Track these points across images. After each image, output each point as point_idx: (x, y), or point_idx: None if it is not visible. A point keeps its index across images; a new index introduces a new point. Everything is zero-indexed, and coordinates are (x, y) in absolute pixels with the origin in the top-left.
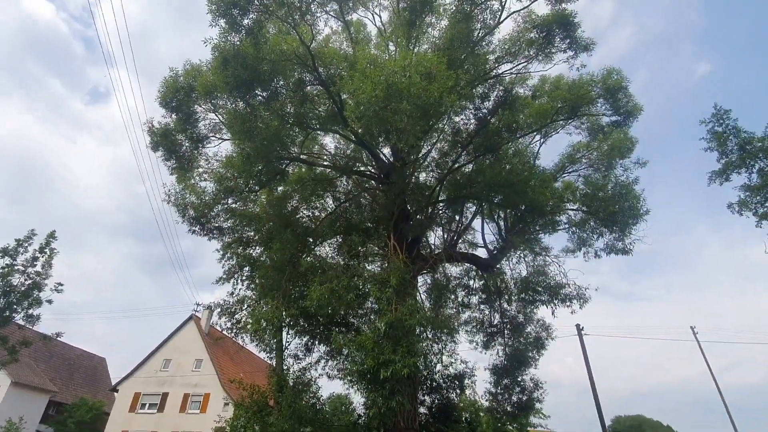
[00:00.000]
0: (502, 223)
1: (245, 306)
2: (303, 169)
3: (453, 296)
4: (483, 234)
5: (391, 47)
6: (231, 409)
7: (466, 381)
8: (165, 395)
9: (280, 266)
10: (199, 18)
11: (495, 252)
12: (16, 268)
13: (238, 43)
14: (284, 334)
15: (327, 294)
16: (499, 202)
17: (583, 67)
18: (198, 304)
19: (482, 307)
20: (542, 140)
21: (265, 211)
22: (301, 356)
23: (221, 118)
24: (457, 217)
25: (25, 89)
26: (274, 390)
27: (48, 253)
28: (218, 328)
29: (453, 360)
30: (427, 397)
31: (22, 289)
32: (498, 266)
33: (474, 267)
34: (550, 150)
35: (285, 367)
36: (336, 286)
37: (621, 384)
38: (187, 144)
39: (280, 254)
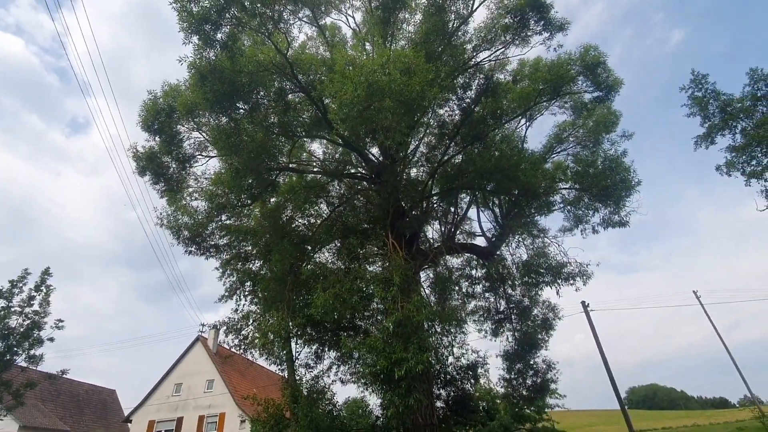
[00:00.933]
0: (497, 209)
1: (251, 321)
2: (294, 178)
3: (457, 288)
4: (480, 222)
5: (368, 47)
6: (248, 426)
7: (480, 370)
8: (180, 420)
9: (281, 277)
10: (173, 38)
11: (493, 239)
12: (12, 309)
13: (213, 58)
14: (293, 344)
15: (331, 299)
16: (492, 190)
17: (560, 47)
18: (203, 325)
19: (487, 295)
20: (528, 123)
21: (260, 223)
22: (312, 365)
23: (205, 136)
24: (453, 209)
25: (3, 128)
26: (289, 401)
27: (44, 290)
28: (226, 346)
29: (464, 351)
30: (442, 391)
31: (21, 330)
32: (498, 253)
33: (474, 256)
34: (536, 132)
35: (297, 378)
36: (339, 290)
37: (631, 355)
38: (174, 165)
39: (280, 265)
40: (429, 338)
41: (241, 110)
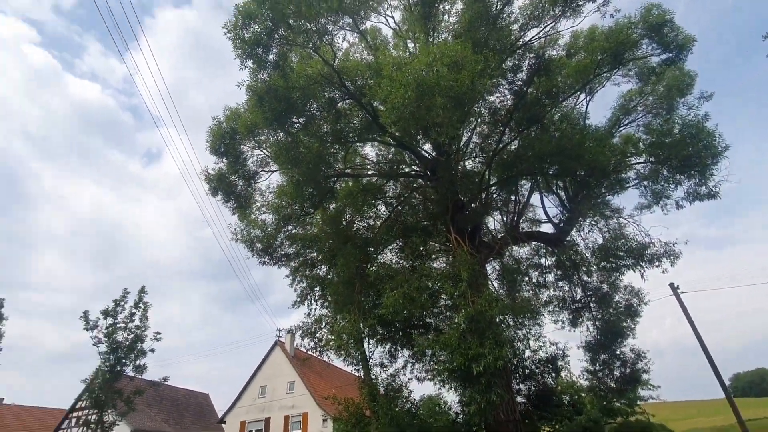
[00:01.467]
0: (562, 193)
1: (323, 324)
2: (350, 183)
3: (526, 278)
4: (545, 209)
5: (410, 44)
6: (330, 424)
7: (560, 363)
8: (267, 420)
9: (348, 280)
10: (222, 64)
11: (561, 225)
12: (118, 326)
13: (267, 78)
14: (365, 344)
15: (401, 299)
16: (555, 173)
17: (617, 12)
18: (279, 330)
19: (560, 284)
20: (588, 98)
21: (323, 230)
22: (386, 363)
23: (266, 153)
24: (513, 198)
25: (91, 165)
26: (368, 400)
27: (143, 307)
28: (303, 349)
29: (541, 344)
30: (522, 386)
31: (127, 343)
32: (568, 239)
33: (542, 244)
34: (598, 107)
35: (373, 377)
36: (408, 289)
37: (732, 338)
38: (240, 183)
39: (346, 269)
40: (504, 332)
41: (297, 124)
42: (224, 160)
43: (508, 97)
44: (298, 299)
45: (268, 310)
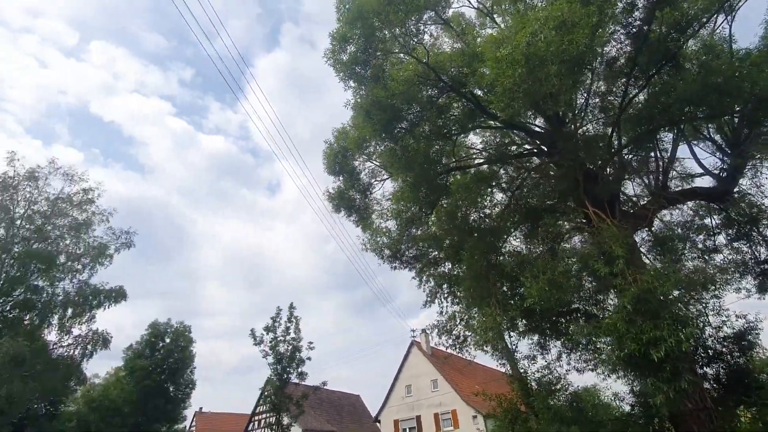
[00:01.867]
0: (718, 137)
1: (457, 321)
2: (459, 177)
3: (688, 245)
4: (698, 160)
5: (498, 20)
6: (480, 421)
7: (750, 338)
8: (418, 418)
9: (478, 274)
10: (318, 89)
11: (723, 175)
12: (279, 339)
13: (369, 93)
14: (507, 337)
15: (546, 286)
16: (705, 115)
17: None
18: (413, 330)
19: (735, 245)
20: (729, 18)
21: (441, 228)
22: (536, 355)
23: (376, 163)
24: (653, 155)
25: (228, 205)
26: (521, 395)
27: (294, 321)
28: (441, 348)
29: (724, 318)
30: (706, 369)
31: (288, 354)
32: (736, 190)
33: (702, 202)
34: (743, 26)
35: (521, 370)
36: (552, 275)
37: None
38: (358, 197)
39: (473, 263)
40: (682, 310)
41: (402, 130)
42: (340, 178)
43: (625, 42)
44: (428, 299)
45: (399, 311)
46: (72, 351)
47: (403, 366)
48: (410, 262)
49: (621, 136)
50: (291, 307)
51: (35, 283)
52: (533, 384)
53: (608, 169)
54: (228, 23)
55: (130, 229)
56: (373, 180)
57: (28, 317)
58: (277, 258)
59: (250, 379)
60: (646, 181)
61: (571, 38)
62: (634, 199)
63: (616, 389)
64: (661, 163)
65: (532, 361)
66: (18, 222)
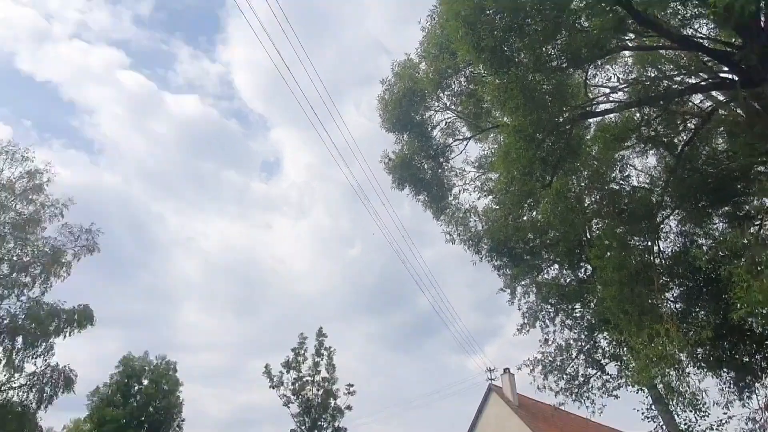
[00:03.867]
0: None
1: (574, 354)
2: (592, 132)
3: None
4: None
5: None
6: None
7: None
8: None
9: (624, 278)
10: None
11: None
12: (305, 380)
13: None
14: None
15: None
16: None
17: None
18: (490, 370)
19: None
20: None
21: (550, 211)
22: (731, 401)
23: (457, 112)
24: None
25: (210, 194)
26: None
27: (325, 354)
28: (528, 395)
29: None
30: None
31: (317, 401)
32: None
33: None
34: None
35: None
36: None
37: None
38: (429, 165)
39: (617, 260)
40: None
41: (516, 43)
42: (404, 136)
43: None
44: (526, 321)
45: (465, 342)
46: (26, 394)
47: (477, 421)
48: (524, 255)
49: None
50: (320, 334)
51: None
52: None
53: None
54: None
55: (92, 227)
56: (451, 140)
57: None
58: (278, 269)
59: None
60: None
61: None
62: None
63: None
64: None
65: (724, 409)
66: None
